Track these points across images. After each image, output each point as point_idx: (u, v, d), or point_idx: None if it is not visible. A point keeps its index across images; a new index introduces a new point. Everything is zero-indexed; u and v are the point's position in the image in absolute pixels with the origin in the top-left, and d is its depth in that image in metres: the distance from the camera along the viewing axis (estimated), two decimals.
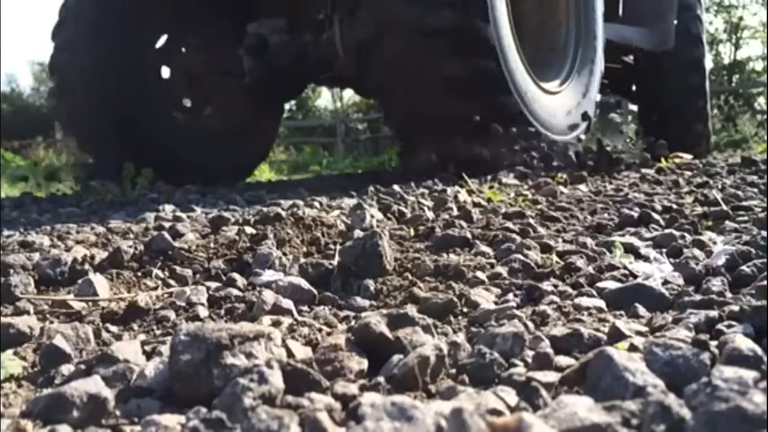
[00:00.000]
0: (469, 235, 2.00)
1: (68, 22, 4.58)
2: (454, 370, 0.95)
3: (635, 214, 2.31)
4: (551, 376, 0.89)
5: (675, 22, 6.12)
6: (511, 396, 0.82)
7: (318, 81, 5.88)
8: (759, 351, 0.83)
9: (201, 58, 4.86)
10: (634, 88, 7.43)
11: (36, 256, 1.87)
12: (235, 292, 1.50)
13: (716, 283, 1.35)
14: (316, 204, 3.32)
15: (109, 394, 0.83)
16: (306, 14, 4.53)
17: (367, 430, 0.61)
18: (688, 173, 4.08)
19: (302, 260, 1.75)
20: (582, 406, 0.68)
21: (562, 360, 0.96)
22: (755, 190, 3.03)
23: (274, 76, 4.73)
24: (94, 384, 0.85)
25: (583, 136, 4.24)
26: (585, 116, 4.16)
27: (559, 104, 3.97)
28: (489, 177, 3.89)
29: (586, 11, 4.24)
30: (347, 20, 3.78)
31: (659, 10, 5.88)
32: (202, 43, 4.90)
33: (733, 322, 1.04)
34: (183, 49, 4.94)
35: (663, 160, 4.87)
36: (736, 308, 1.10)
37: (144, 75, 4.62)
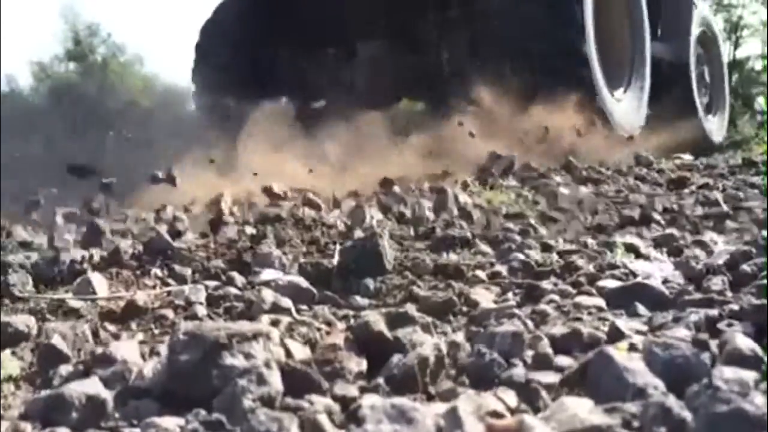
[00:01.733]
0: (469, 235, 1.99)
1: (211, 26, 5.68)
2: (453, 371, 0.94)
3: (636, 215, 2.31)
4: (551, 377, 0.89)
5: (692, 37, 7.01)
6: (511, 397, 0.82)
7: (413, 94, 6.30)
8: (759, 351, 0.82)
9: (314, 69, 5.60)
10: None
11: (34, 255, 1.86)
12: (233, 291, 1.49)
13: (717, 282, 1.35)
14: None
15: (107, 395, 0.83)
16: (409, 38, 5.38)
17: None
18: (688, 173, 4.07)
19: (302, 260, 1.75)
20: (582, 408, 0.68)
21: (562, 360, 0.96)
22: (756, 191, 3.02)
23: (378, 89, 5.35)
24: (93, 385, 0.84)
25: (638, 133, 5.23)
26: (640, 117, 5.32)
27: (624, 108, 5.10)
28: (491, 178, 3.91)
29: (638, 33, 5.42)
30: (463, 48, 4.68)
31: (679, 28, 6.87)
32: (315, 57, 5.63)
33: (734, 321, 1.04)
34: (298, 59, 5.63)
35: (664, 160, 4.87)
36: (736, 307, 1.09)
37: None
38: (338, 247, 1.77)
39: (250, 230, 2.12)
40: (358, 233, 1.89)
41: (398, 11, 5.13)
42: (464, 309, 1.32)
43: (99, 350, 1.06)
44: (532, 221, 2.34)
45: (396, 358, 0.94)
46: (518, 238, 1.99)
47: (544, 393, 0.81)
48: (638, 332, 1.07)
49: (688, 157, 5.44)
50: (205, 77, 5.55)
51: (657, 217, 2.28)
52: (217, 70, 5.29)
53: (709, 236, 1.92)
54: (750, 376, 0.67)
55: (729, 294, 1.28)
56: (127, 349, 1.03)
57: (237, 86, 4.87)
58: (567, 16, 4.40)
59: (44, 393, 0.85)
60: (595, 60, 4.53)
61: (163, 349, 1.05)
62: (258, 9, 5.38)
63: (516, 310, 1.24)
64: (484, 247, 1.90)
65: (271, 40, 5.37)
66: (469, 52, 4.62)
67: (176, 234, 2.15)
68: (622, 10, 5.38)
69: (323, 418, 0.68)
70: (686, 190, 3.26)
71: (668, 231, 2.00)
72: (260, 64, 5.38)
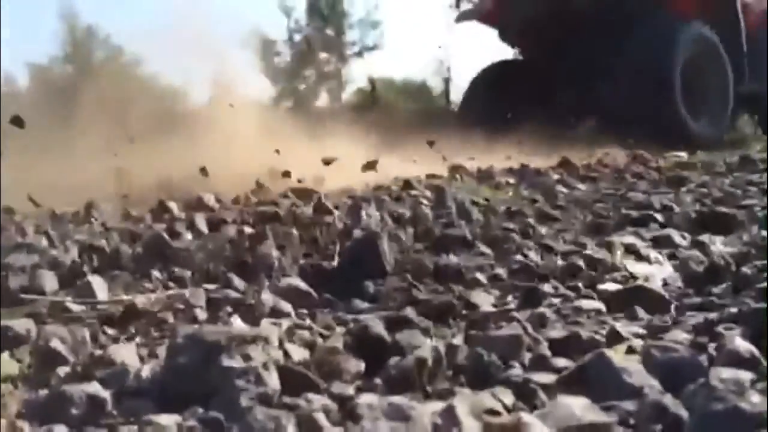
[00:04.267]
0: (468, 236, 1.99)
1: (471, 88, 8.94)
2: (451, 372, 0.94)
3: (635, 214, 2.31)
4: (549, 377, 0.89)
5: None
6: (508, 396, 0.82)
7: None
8: (756, 353, 0.83)
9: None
10: None
11: (34, 257, 1.86)
12: (233, 294, 1.49)
13: (715, 286, 1.35)
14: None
15: (106, 394, 0.83)
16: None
17: (364, 430, 0.61)
18: (686, 171, 4.08)
19: (301, 261, 1.75)
20: (579, 406, 0.68)
21: (561, 362, 0.96)
22: (755, 189, 3.02)
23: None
24: (92, 385, 0.84)
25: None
26: (719, 135, 8.00)
27: (705, 130, 7.65)
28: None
29: (721, 82, 7.95)
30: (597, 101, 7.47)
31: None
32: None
33: (732, 324, 1.04)
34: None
35: (662, 159, 4.88)
36: (734, 310, 1.09)
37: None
38: (337, 248, 1.78)
39: (249, 230, 2.12)
40: (357, 233, 1.89)
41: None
42: (463, 312, 1.31)
43: (98, 353, 1.06)
44: (532, 221, 2.34)
45: (394, 360, 0.95)
46: (518, 238, 1.98)
47: (541, 392, 0.81)
48: (637, 335, 1.07)
49: (684, 155, 5.45)
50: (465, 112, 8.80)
51: (655, 216, 2.28)
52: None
53: (707, 236, 1.92)
54: (747, 376, 0.67)
55: (728, 297, 1.28)
56: (126, 352, 1.03)
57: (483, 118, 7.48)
58: (667, 88, 7.18)
59: (43, 392, 0.86)
60: (682, 108, 7.27)
61: (162, 351, 1.05)
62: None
63: (515, 314, 1.24)
64: (484, 248, 1.90)
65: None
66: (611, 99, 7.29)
67: (176, 235, 2.15)
68: (709, 72, 7.96)
69: (320, 416, 0.68)
70: (684, 189, 3.26)
71: (667, 231, 2.00)
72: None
